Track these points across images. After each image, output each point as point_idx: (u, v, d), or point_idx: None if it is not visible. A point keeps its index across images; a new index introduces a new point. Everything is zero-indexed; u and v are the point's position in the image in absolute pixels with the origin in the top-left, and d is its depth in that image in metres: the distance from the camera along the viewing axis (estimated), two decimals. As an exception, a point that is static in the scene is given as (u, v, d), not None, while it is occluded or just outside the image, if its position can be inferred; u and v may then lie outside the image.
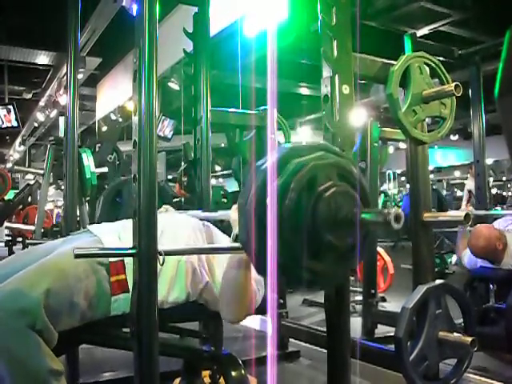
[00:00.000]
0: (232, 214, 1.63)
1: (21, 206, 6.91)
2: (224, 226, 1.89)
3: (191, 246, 1.68)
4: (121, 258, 1.49)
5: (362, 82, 2.00)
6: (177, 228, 1.73)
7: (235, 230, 1.54)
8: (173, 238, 1.66)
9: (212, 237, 1.81)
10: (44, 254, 1.56)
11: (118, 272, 1.51)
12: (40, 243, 1.98)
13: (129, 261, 1.48)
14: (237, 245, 1.67)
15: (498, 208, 8.98)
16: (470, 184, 6.72)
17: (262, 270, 1.17)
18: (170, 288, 1.58)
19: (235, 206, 1.62)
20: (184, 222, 1.82)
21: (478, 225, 2.77)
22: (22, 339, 1.29)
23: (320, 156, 1.18)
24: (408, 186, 2.70)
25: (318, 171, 1.14)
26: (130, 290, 1.36)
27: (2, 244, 6.94)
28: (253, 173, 1.19)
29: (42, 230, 4.50)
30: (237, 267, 1.53)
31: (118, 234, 1.59)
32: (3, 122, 5.58)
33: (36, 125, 10.45)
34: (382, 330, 3.23)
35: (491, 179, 7.98)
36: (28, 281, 1.37)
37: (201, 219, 1.90)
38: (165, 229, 1.66)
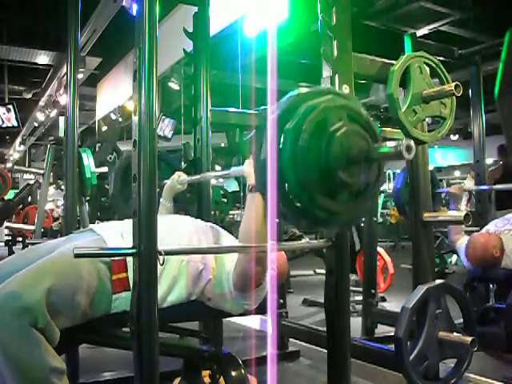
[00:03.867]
0: (245, 168, 1.67)
1: (21, 206, 6.91)
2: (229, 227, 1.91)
3: (192, 246, 1.68)
4: (124, 256, 1.49)
5: (362, 81, 2.00)
6: (180, 228, 1.74)
7: (250, 181, 1.58)
8: (177, 237, 1.67)
9: (217, 237, 1.81)
10: (46, 253, 1.56)
11: (119, 270, 1.51)
12: (40, 243, 1.98)
13: (131, 259, 1.48)
14: (239, 245, 1.68)
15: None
16: (469, 184, 6.70)
17: (280, 215, 1.23)
18: (171, 287, 1.59)
19: (248, 161, 1.67)
20: (187, 222, 1.83)
21: (475, 233, 2.76)
22: (25, 338, 1.29)
23: (329, 99, 1.22)
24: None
25: (328, 113, 1.18)
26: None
27: (2, 244, 6.94)
28: (265, 122, 1.22)
29: (42, 230, 4.50)
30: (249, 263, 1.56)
31: (120, 233, 1.60)
32: (3, 122, 5.58)
33: (36, 125, 10.45)
34: (382, 329, 3.23)
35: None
36: (30, 279, 1.37)
37: (215, 179, 1.95)
38: (169, 229, 1.68)
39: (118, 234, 1.60)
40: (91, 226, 1.80)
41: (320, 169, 1.15)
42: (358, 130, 1.19)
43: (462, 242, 2.80)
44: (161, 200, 2.16)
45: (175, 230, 1.71)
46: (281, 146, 1.16)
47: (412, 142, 1.10)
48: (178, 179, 2.16)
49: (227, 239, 1.83)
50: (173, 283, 1.60)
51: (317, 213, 1.18)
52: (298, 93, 1.24)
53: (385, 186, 8.87)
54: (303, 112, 1.16)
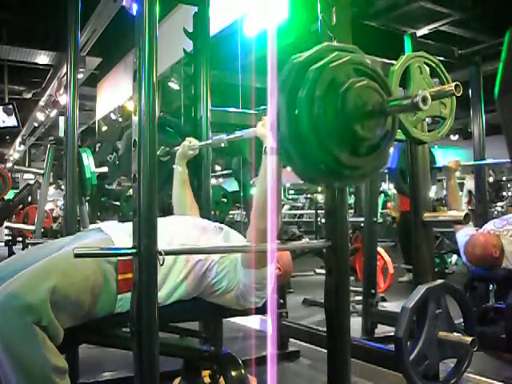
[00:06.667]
0: (258, 130, 1.66)
1: (21, 206, 6.91)
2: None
3: (195, 246, 1.68)
4: (130, 256, 1.49)
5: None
6: (187, 231, 1.74)
7: (266, 143, 1.57)
8: (184, 239, 1.67)
9: (226, 238, 1.81)
10: (54, 251, 1.56)
11: (126, 270, 1.50)
12: (40, 243, 1.98)
13: None
14: (240, 244, 1.68)
15: (498, 207, 8.98)
16: (469, 184, 6.72)
17: (303, 175, 1.29)
18: (177, 286, 1.60)
19: (261, 123, 1.67)
20: (195, 225, 1.83)
21: (475, 232, 2.76)
22: (28, 336, 1.29)
23: (334, 57, 1.23)
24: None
25: (336, 73, 1.20)
26: None
27: (2, 244, 6.94)
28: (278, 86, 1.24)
29: (42, 230, 4.50)
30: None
31: (128, 233, 1.59)
32: (3, 122, 5.58)
33: (36, 125, 10.45)
34: (382, 329, 3.23)
35: (491, 179, 7.98)
36: (34, 278, 1.38)
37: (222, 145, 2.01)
38: (176, 232, 1.67)
39: (126, 233, 1.58)
40: (100, 224, 1.79)
41: (339, 129, 1.18)
42: (368, 83, 1.21)
43: (462, 232, 2.79)
44: (174, 166, 2.17)
45: (182, 232, 1.71)
46: (296, 112, 1.19)
47: (428, 94, 1.10)
48: (189, 145, 2.16)
49: (237, 240, 1.82)
50: (179, 282, 1.60)
51: (341, 171, 1.23)
52: (305, 56, 1.25)
53: (384, 186, 8.87)
54: (312, 78, 1.18)
